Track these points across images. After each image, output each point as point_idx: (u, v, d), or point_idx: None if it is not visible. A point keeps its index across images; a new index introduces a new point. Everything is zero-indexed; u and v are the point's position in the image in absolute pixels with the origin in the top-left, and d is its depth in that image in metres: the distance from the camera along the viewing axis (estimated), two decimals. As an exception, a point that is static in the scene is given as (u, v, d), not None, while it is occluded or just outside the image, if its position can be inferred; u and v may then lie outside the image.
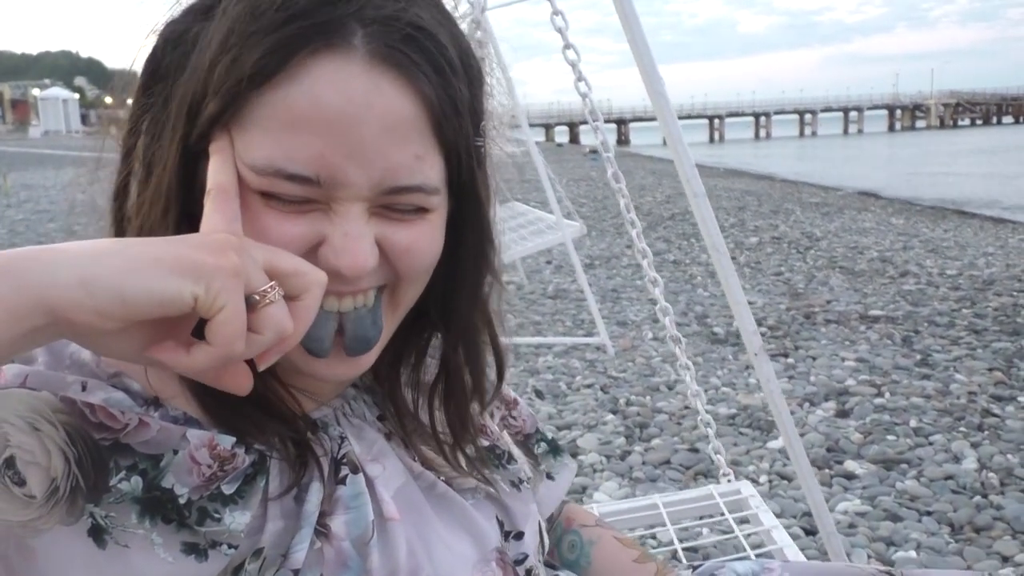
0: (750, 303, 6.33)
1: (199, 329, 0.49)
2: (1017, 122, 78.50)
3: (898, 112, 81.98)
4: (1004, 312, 5.82)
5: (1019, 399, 4.06)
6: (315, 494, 0.58)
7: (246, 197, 0.54)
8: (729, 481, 2.23)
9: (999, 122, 79.36)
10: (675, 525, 1.88)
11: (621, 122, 66.77)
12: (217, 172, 0.53)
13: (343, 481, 0.60)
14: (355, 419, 0.66)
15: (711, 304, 6.29)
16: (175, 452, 0.53)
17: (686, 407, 4.01)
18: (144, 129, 0.59)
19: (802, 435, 3.68)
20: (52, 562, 0.49)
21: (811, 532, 2.76)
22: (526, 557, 0.71)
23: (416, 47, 0.55)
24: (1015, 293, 6.43)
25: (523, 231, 5.50)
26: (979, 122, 79.54)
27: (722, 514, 1.93)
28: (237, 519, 0.54)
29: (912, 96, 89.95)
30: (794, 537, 2.80)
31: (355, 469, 0.62)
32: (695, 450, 3.49)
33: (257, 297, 0.48)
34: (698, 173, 1.86)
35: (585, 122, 2.73)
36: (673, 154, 1.85)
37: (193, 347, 0.48)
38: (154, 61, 0.59)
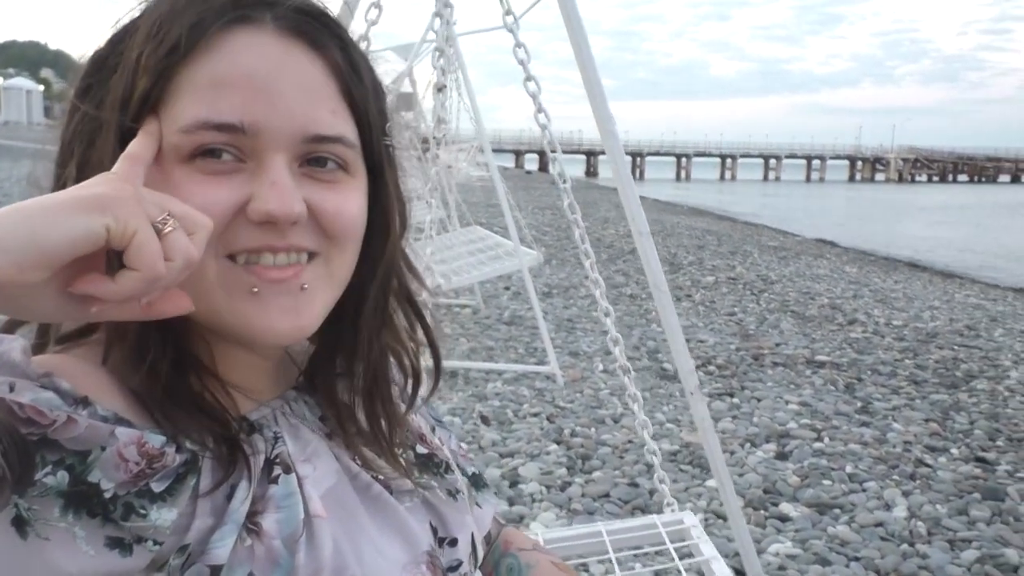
0: (701, 341, 6.42)
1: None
2: (971, 181, 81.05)
3: (859, 163, 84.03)
4: (944, 365, 5.98)
5: (951, 451, 4.16)
6: (243, 492, 0.59)
7: (174, 171, 0.58)
8: (672, 511, 2.24)
9: (954, 180, 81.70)
10: (617, 553, 1.89)
11: (591, 154, 67.50)
12: (134, 144, 0.57)
13: (275, 480, 0.61)
14: (294, 419, 0.68)
15: (663, 340, 6.35)
16: (103, 448, 0.54)
17: (630, 441, 4.05)
18: (78, 141, 0.62)
19: (741, 475, 3.73)
20: None
21: (741, 573, 2.79)
22: (460, 564, 0.73)
23: (321, 24, 0.63)
24: (956, 347, 6.62)
25: (481, 256, 5.52)
26: (935, 178, 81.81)
27: (663, 543, 1.93)
28: (164, 516, 0.55)
29: (874, 149, 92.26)
30: (724, 577, 2.84)
31: (287, 469, 0.63)
32: (635, 484, 3.52)
33: (159, 225, 0.51)
34: (643, 212, 1.89)
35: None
36: (621, 194, 1.89)
37: (118, 275, 0.50)
38: (85, 81, 0.63)
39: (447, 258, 5.53)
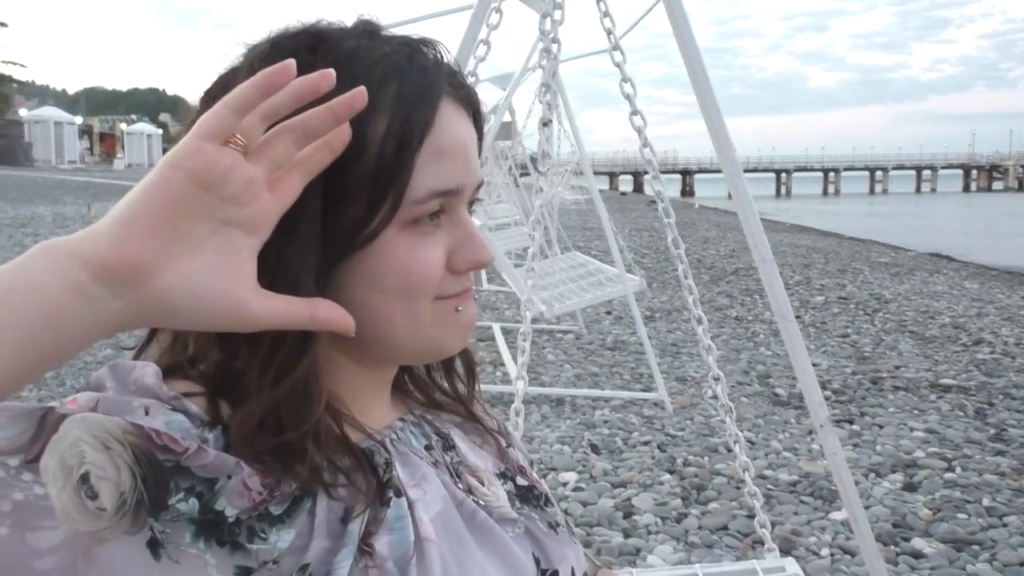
0: (814, 365, 6.15)
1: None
2: (1102, 186, 75.54)
3: (974, 172, 79.57)
4: (1087, 388, 5.54)
5: (1103, 482, 3.84)
6: (360, 515, 0.62)
7: (398, 238, 0.63)
8: (775, 557, 2.15)
9: (1083, 185, 76.45)
10: None
11: (686, 173, 66.72)
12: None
13: (387, 503, 0.64)
14: (402, 447, 0.71)
15: (774, 364, 6.15)
16: (229, 477, 0.57)
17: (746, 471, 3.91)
18: None
19: (866, 507, 3.54)
20: (112, 568, 0.53)
21: (875, 613, 2.64)
22: None
23: (472, 96, 0.71)
24: (1099, 368, 6.13)
25: (583, 282, 5.50)
26: (1061, 185, 76.72)
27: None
28: (283, 537, 0.58)
29: (989, 156, 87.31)
30: (856, 617, 2.70)
31: (399, 493, 0.65)
32: (753, 516, 3.39)
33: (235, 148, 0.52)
34: (766, 239, 1.84)
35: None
36: (742, 219, 1.85)
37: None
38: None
39: (548, 284, 5.52)
